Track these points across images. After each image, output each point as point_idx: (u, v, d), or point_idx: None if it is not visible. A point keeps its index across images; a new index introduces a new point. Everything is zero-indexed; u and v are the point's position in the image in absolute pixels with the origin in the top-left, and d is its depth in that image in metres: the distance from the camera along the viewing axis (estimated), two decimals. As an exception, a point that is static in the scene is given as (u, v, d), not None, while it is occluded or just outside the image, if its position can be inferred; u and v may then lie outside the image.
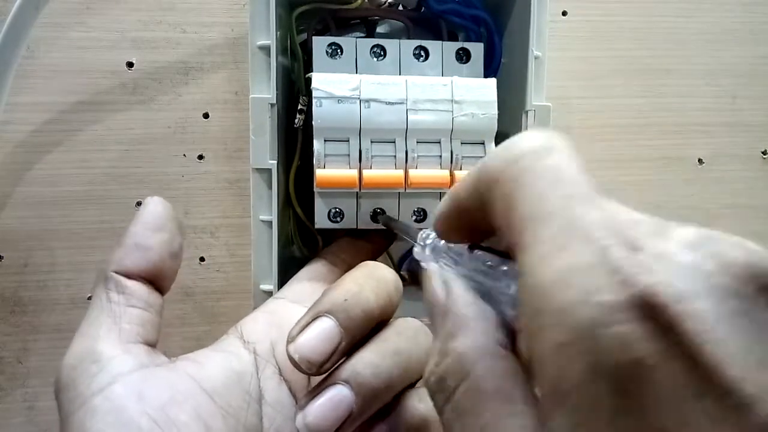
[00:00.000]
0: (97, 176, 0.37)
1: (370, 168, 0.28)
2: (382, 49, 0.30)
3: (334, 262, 0.30)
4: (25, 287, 0.37)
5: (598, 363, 0.11)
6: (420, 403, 0.23)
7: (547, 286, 0.12)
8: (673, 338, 0.11)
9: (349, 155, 0.28)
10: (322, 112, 0.27)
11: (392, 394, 0.23)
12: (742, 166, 0.43)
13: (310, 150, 0.28)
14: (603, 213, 0.13)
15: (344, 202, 0.29)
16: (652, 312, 0.11)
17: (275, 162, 0.29)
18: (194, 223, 0.38)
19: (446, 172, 0.28)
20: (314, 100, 0.27)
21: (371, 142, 0.28)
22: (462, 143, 0.29)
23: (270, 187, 0.29)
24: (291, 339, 0.22)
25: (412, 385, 0.24)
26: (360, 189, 0.28)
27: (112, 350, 0.22)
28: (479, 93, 0.29)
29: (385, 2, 0.32)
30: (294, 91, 0.31)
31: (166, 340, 0.24)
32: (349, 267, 0.29)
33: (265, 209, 0.29)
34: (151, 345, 0.23)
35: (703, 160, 0.43)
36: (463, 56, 0.30)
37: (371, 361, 0.22)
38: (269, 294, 0.29)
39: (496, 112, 0.29)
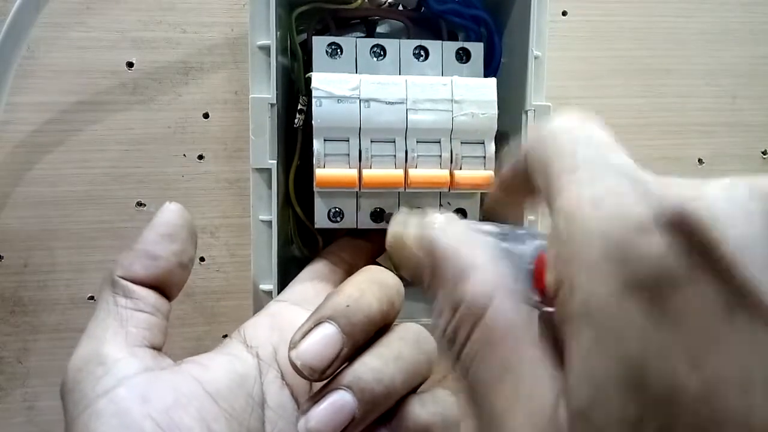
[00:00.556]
0: (97, 176, 0.37)
1: (370, 168, 0.28)
2: (382, 49, 0.30)
3: (335, 262, 0.30)
4: (25, 287, 0.37)
5: (629, 277, 0.11)
6: (422, 409, 0.23)
7: (580, 209, 0.12)
8: (705, 253, 0.11)
9: (348, 155, 0.28)
10: (321, 111, 0.27)
11: (394, 400, 0.23)
12: (742, 166, 0.43)
13: (310, 150, 0.28)
14: (635, 163, 0.13)
15: (344, 202, 0.29)
16: (684, 227, 0.11)
17: (275, 162, 0.29)
18: (194, 223, 0.38)
19: (446, 172, 0.28)
20: (314, 100, 0.27)
21: (371, 141, 0.28)
22: (462, 143, 0.29)
23: (270, 187, 0.29)
24: (293, 345, 0.22)
25: (413, 390, 0.24)
26: (360, 189, 0.28)
27: (117, 353, 0.22)
28: (479, 93, 0.29)
29: (385, 2, 0.32)
30: (294, 91, 0.31)
31: (166, 341, 0.24)
32: (350, 266, 0.29)
33: (265, 209, 0.29)
34: (157, 348, 0.23)
35: (703, 160, 0.43)
36: (463, 56, 0.30)
37: (373, 366, 0.22)
38: (269, 294, 0.29)
39: (496, 111, 0.29)
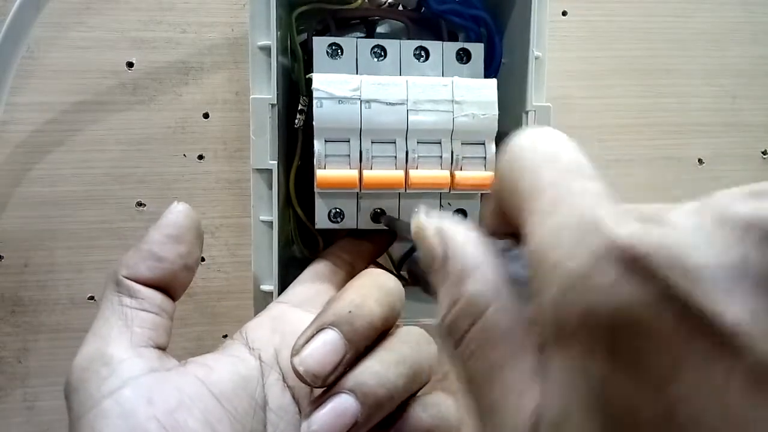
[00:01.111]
0: (97, 176, 0.37)
1: (371, 168, 0.28)
2: (383, 49, 0.29)
3: (335, 263, 0.30)
4: (25, 287, 0.37)
5: (588, 312, 0.11)
6: (424, 413, 0.23)
7: (541, 246, 0.13)
8: (662, 284, 0.11)
9: (349, 156, 0.28)
10: (322, 112, 0.27)
11: (397, 403, 0.23)
12: (742, 166, 0.43)
13: (310, 150, 0.28)
14: (598, 185, 0.13)
15: (345, 203, 0.29)
16: (637, 261, 0.11)
17: (275, 162, 0.29)
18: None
19: (447, 173, 0.28)
20: (315, 101, 0.27)
21: (372, 142, 0.28)
22: (462, 144, 0.29)
23: (270, 187, 0.29)
24: (296, 351, 0.22)
25: (415, 394, 0.24)
26: (360, 189, 0.28)
27: (123, 353, 0.22)
28: (480, 93, 0.29)
29: (385, 2, 0.32)
30: (294, 92, 0.31)
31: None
32: (351, 267, 0.30)
33: (266, 209, 0.29)
34: (162, 348, 0.23)
35: (703, 160, 0.43)
36: (464, 56, 0.30)
37: (376, 370, 0.22)
38: (269, 294, 0.29)
39: (496, 112, 0.29)
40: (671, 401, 0.11)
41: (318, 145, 0.28)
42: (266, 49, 0.28)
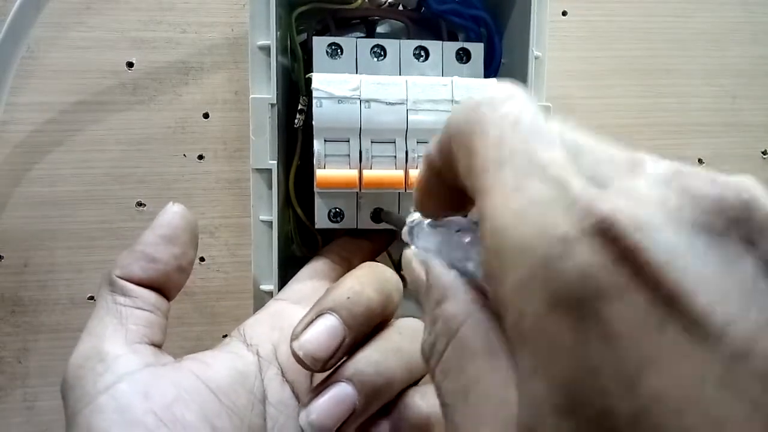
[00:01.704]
0: (97, 176, 0.37)
1: (371, 168, 0.28)
2: (382, 49, 0.29)
3: (334, 260, 0.30)
4: (25, 287, 0.37)
5: (556, 297, 0.11)
6: (422, 401, 0.23)
7: (505, 225, 0.12)
8: (634, 268, 0.10)
9: (349, 155, 0.28)
10: (322, 112, 0.27)
11: (395, 392, 0.23)
12: (742, 166, 0.43)
13: (310, 150, 0.28)
14: (565, 153, 0.12)
15: (344, 202, 0.29)
16: (611, 241, 0.10)
17: (275, 162, 0.29)
18: (197, 223, 0.38)
19: (446, 172, 0.28)
20: (314, 101, 0.27)
21: (371, 142, 0.28)
22: (462, 143, 0.29)
23: (270, 187, 0.29)
24: (295, 336, 0.22)
25: (414, 384, 0.24)
26: (360, 189, 0.28)
27: (118, 350, 0.22)
28: (480, 93, 0.29)
29: (385, 2, 0.32)
30: (294, 92, 0.31)
31: (165, 340, 0.24)
32: (350, 265, 0.30)
33: (265, 209, 0.29)
34: (157, 346, 0.23)
35: (703, 160, 0.43)
36: (463, 56, 0.30)
37: (374, 359, 0.22)
38: (269, 294, 0.29)
39: (496, 112, 0.29)
40: (642, 399, 0.10)
41: (318, 145, 0.28)
42: (266, 49, 0.28)
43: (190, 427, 0.21)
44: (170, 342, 0.24)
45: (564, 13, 0.40)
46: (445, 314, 0.15)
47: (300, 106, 0.30)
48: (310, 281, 0.29)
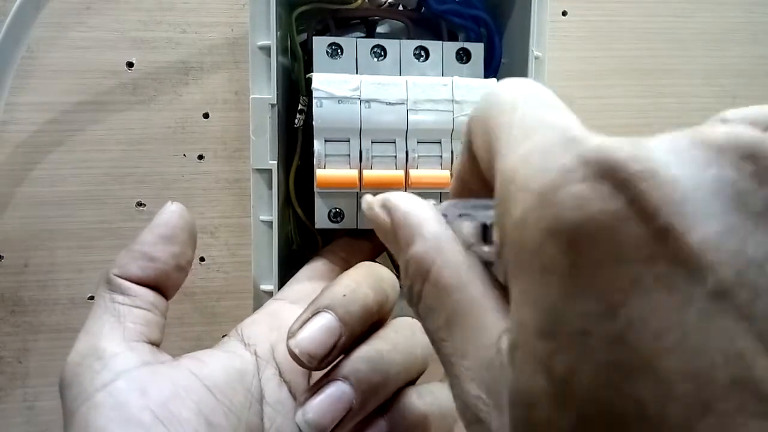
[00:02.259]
0: (97, 176, 0.37)
1: (371, 168, 0.28)
2: (383, 49, 0.30)
3: (333, 261, 0.30)
4: (25, 287, 0.37)
5: (553, 223, 0.11)
6: (419, 400, 0.23)
7: (512, 167, 0.12)
8: (631, 197, 0.10)
9: (349, 155, 0.28)
10: (322, 112, 0.27)
11: (391, 390, 0.23)
12: (742, 166, 0.43)
13: (310, 150, 0.28)
14: (574, 117, 0.13)
15: (344, 203, 0.29)
16: (609, 171, 0.11)
17: (275, 162, 0.29)
18: (196, 223, 0.38)
19: (447, 173, 0.28)
20: (314, 101, 0.27)
21: (372, 142, 0.28)
22: (462, 143, 0.29)
23: (270, 187, 0.29)
24: (291, 334, 0.22)
25: (411, 383, 0.24)
26: (360, 189, 0.28)
27: (115, 348, 0.22)
28: (480, 93, 0.29)
29: (385, 2, 0.32)
30: (294, 92, 0.31)
31: (165, 340, 0.24)
32: (349, 266, 0.29)
33: (265, 209, 0.29)
34: (155, 344, 0.23)
35: (703, 160, 0.43)
36: (464, 56, 0.30)
37: (370, 357, 0.22)
38: (269, 294, 0.29)
39: (496, 112, 0.29)
40: (623, 325, 0.10)
41: (318, 145, 0.28)
42: (266, 49, 0.28)
43: (187, 425, 0.21)
44: (170, 342, 0.24)
45: (564, 13, 0.40)
46: (416, 256, 0.15)
47: (300, 106, 0.30)
48: (309, 282, 0.29)
